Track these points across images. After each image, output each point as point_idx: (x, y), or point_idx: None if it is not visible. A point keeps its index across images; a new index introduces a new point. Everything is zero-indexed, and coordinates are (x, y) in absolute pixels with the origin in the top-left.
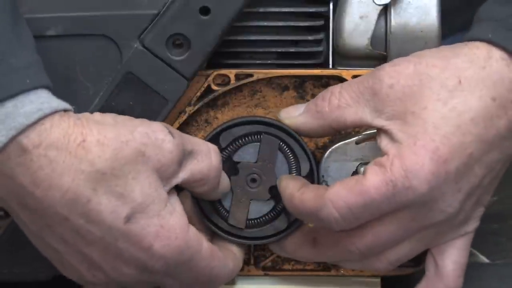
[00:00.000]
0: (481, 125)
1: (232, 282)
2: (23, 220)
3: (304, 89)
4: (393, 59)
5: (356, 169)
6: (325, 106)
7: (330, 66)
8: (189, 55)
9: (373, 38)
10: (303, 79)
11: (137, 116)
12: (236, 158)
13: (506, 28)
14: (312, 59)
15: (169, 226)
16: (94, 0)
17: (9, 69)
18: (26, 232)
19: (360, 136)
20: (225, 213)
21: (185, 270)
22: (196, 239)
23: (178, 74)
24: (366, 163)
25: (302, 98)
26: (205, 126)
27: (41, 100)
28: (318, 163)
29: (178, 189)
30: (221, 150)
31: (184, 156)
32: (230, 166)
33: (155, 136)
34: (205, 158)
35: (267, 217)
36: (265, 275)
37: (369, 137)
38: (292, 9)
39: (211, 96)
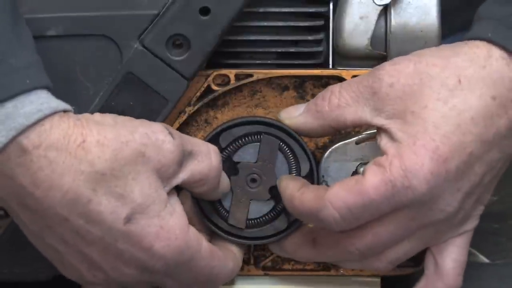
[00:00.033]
0: (481, 124)
1: (232, 282)
2: (23, 221)
3: (304, 89)
4: (393, 58)
5: (356, 169)
6: (325, 105)
7: (330, 66)
8: (189, 55)
9: (373, 38)
10: (303, 79)
11: (137, 116)
12: (236, 158)
13: (506, 27)
14: (312, 59)
15: (169, 227)
16: (95, 0)
17: (9, 69)
18: (26, 232)
19: (360, 136)
20: (225, 213)
21: (185, 270)
22: (196, 239)
23: (178, 74)
24: (366, 163)
25: (302, 98)
26: (205, 126)
27: (41, 101)
28: (318, 163)
29: (178, 189)
30: (221, 150)
31: (184, 156)
32: (230, 166)
33: (155, 137)
34: (205, 158)
35: (267, 217)
36: (265, 275)
37: (369, 137)
38: (292, 9)
39: (211, 96)
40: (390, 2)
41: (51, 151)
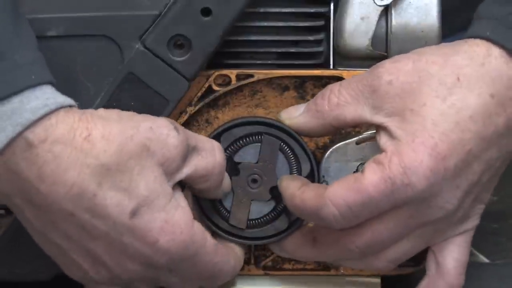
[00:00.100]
0: (480, 122)
1: (233, 282)
2: (27, 217)
3: (305, 89)
4: (393, 56)
5: (357, 170)
6: (325, 104)
7: (331, 67)
8: (190, 56)
9: (374, 39)
10: (303, 79)
11: None
12: (237, 158)
13: (504, 26)
14: (312, 59)
15: (174, 221)
16: (96, 0)
17: (14, 65)
18: (30, 230)
19: (360, 136)
20: (226, 213)
21: (189, 265)
22: (201, 234)
23: (179, 74)
24: None
25: (302, 98)
26: (206, 126)
27: (47, 96)
28: (318, 163)
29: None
30: None
31: (189, 151)
32: (231, 166)
33: (159, 131)
34: (209, 154)
35: (267, 217)
36: (266, 274)
37: (369, 137)
38: (292, 10)
39: (212, 97)
40: (391, 2)
41: (56, 145)
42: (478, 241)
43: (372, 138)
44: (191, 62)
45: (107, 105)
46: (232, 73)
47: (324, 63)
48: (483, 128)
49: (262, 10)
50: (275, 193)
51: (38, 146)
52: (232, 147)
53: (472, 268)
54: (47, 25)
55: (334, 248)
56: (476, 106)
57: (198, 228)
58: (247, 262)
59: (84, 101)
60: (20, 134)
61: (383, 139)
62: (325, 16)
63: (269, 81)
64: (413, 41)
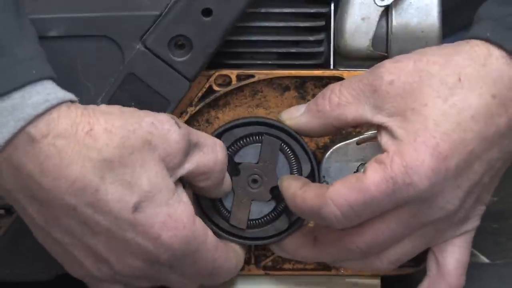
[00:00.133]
0: (482, 122)
1: (233, 282)
2: (29, 213)
3: (305, 90)
4: (394, 57)
5: (357, 170)
6: (326, 104)
7: (331, 67)
8: (191, 56)
9: (374, 39)
10: (304, 79)
11: None
12: (237, 159)
13: (503, 27)
14: (313, 59)
15: (176, 216)
16: (96, 1)
17: (15, 60)
18: (31, 226)
19: (361, 137)
20: (226, 213)
21: (190, 262)
22: (202, 230)
23: (180, 75)
24: None
25: (303, 98)
26: (206, 126)
27: (48, 91)
28: (319, 163)
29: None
30: None
31: (190, 147)
32: (231, 166)
33: (161, 126)
34: (211, 151)
35: (268, 217)
36: (266, 274)
37: (370, 137)
38: (293, 10)
39: (212, 97)
40: (391, 3)
41: (59, 139)
42: (478, 241)
43: (373, 138)
44: (191, 62)
45: None
46: (233, 73)
47: (325, 63)
48: (485, 128)
49: (262, 10)
50: (276, 193)
51: (40, 140)
52: (233, 147)
53: (472, 269)
54: (48, 25)
55: (335, 248)
56: (478, 106)
57: (200, 224)
58: (247, 262)
59: (85, 101)
60: (22, 129)
61: (384, 139)
62: (326, 17)
63: (270, 81)
64: (414, 42)
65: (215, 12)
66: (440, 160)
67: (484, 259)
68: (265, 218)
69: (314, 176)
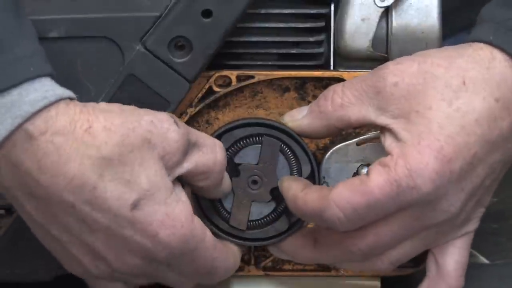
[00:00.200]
0: (485, 125)
1: (232, 283)
2: (28, 210)
3: (305, 91)
4: (396, 59)
5: (357, 171)
6: (328, 105)
7: (331, 68)
8: (191, 58)
9: (374, 40)
10: (304, 80)
11: None
12: (237, 159)
13: (507, 30)
14: (313, 60)
15: (174, 215)
16: (96, 2)
17: (13, 57)
18: (30, 223)
19: (361, 137)
20: (226, 214)
21: (188, 260)
22: (200, 229)
23: (180, 76)
24: (367, 165)
25: (303, 99)
26: (206, 127)
27: (46, 88)
28: (319, 164)
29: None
30: None
31: (189, 146)
32: (231, 167)
33: (160, 125)
34: (210, 151)
35: (268, 218)
36: (266, 275)
37: (370, 138)
38: (293, 11)
39: (212, 98)
40: (391, 3)
41: (57, 136)
42: (478, 242)
43: (373, 139)
44: (191, 63)
45: None
46: (233, 74)
47: (325, 64)
48: (488, 131)
49: (263, 11)
50: (276, 194)
51: (38, 138)
52: (233, 148)
53: (472, 269)
54: (48, 26)
55: (336, 250)
56: (482, 110)
57: (198, 223)
58: (247, 262)
59: (85, 102)
60: (19, 126)
61: (388, 141)
62: (326, 17)
63: (270, 82)
64: (414, 42)
65: (215, 13)
66: (445, 163)
67: (484, 260)
68: (265, 219)
69: (314, 177)
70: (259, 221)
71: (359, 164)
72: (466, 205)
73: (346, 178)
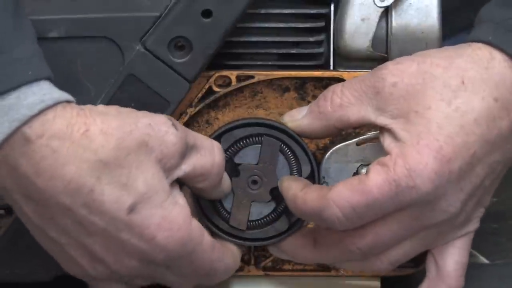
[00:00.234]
0: (484, 125)
1: (232, 283)
2: (26, 213)
3: (305, 91)
4: (395, 58)
5: (357, 171)
6: (328, 106)
7: (331, 68)
8: (191, 58)
9: (374, 40)
10: (303, 80)
11: None
12: (237, 160)
13: (506, 30)
14: (313, 60)
15: (171, 218)
16: (96, 2)
17: (11, 60)
18: (29, 226)
19: (361, 137)
20: (226, 214)
21: (186, 262)
22: (198, 231)
23: (179, 76)
24: (367, 165)
25: (303, 99)
26: (206, 127)
27: (44, 92)
28: (318, 164)
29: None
30: None
31: (187, 149)
32: (231, 167)
33: (158, 128)
34: (208, 153)
35: (268, 218)
36: (266, 275)
37: (370, 138)
38: (293, 11)
39: (212, 98)
40: (391, 3)
41: (54, 140)
42: (478, 242)
43: (373, 139)
44: (191, 63)
45: None
46: (233, 74)
47: (325, 64)
48: (487, 131)
49: (262, 11)
50: (276, 194)
51: (35, 141)
52: (233, 148)
53: (472, 269)
54: (48, 26)
55: (335, 249)
56: (481, 110)
57: (196, 226)
58: (247, 262)
59: (85, 102)
60: (17, 129)
61: (387, 141)
62: (326, 17)
63: (270, 82)
64: (414, 42)
65: (215, 13)
66: (444, 163)
67: (484, 260)
68: (265, 219)
69: (314, 177)
70: (259, 221)
71: (359, 164)
72: (466, 205)
73: (346, 178)
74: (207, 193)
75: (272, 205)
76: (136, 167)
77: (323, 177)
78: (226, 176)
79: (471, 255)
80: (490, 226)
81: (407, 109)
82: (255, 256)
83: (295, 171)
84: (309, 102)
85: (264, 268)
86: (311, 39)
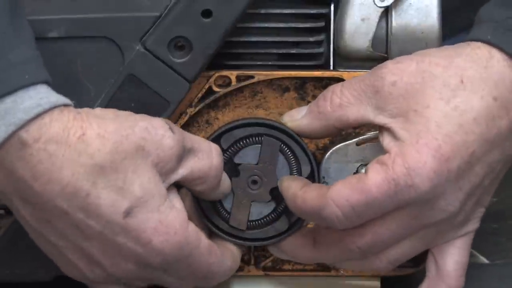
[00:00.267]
0: (483, 124)
1: (232, 283)
2: (24, 216)
3: (305, 91)
4: (395, 58)
5: (357, 170)
6: (327, 106)
7: (331, 68)
8: (191, 58)
9: (374, 40)
10: (303, 80)
11: None
12: (237, 160)
13: (505, 29)
14: (313, 60)
15: (168, 222)
16: (96, 2)
17: (7, 65)
18: (27, 228)
19: (361, 137)
20: (226, 214)
21: (184, 266)
22: (195, 235)
23: (179, 76)
24: (367, 165)
25: (302, 99)
26: (206, 127)
27: (40, 96)
28: (318, 164)
29: (178, 188)
30: (223, 151)
31: (185, 152)
32: (231, 167)
33: (155, 132)
34: (206, 156)
35: (268, 218)
36: (266, 275)
37: (370, 138)
38: (293, 11)
39: (212, 98)
40: (391, 3)
41: (50, 144)
42: (478, 242)
43: (373, 139)
44: (191, 63)
45: (108, 106)
46: (233, 74)
47: (325, 64)
48: (486, 130)
49: (262, 11)
50: (275, 194)
51: (32, 145)
52: (233, 148)
53: (472, 269)
54: (48, 26)
55: (335, 248)
56: (480, 109)
57: (193, 229)
58: (247, 262)
59: (85, 102)
60: (13, 133)
61: (386, 140)
62: (326, 17)
63: (270, 82)
64: (414, 42)
65: (215, 13)
66: (442, 162)
67: (484, 260)
68: (264, 219)
69: (314, 177)
70: (259, 221)
71: (358, 164)
72: (465, 205)
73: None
74: (206, 195)
75: (272, 205)
76: (132, 171)
77: (323, 177)
78: (225, 177)
79: (471, 255)
80: (490, 226)
81: (406, 108)
82: (255, 256)
83: (295, 171)
84: (309, 102)
85: (264, 268)
86: (311, 39)
